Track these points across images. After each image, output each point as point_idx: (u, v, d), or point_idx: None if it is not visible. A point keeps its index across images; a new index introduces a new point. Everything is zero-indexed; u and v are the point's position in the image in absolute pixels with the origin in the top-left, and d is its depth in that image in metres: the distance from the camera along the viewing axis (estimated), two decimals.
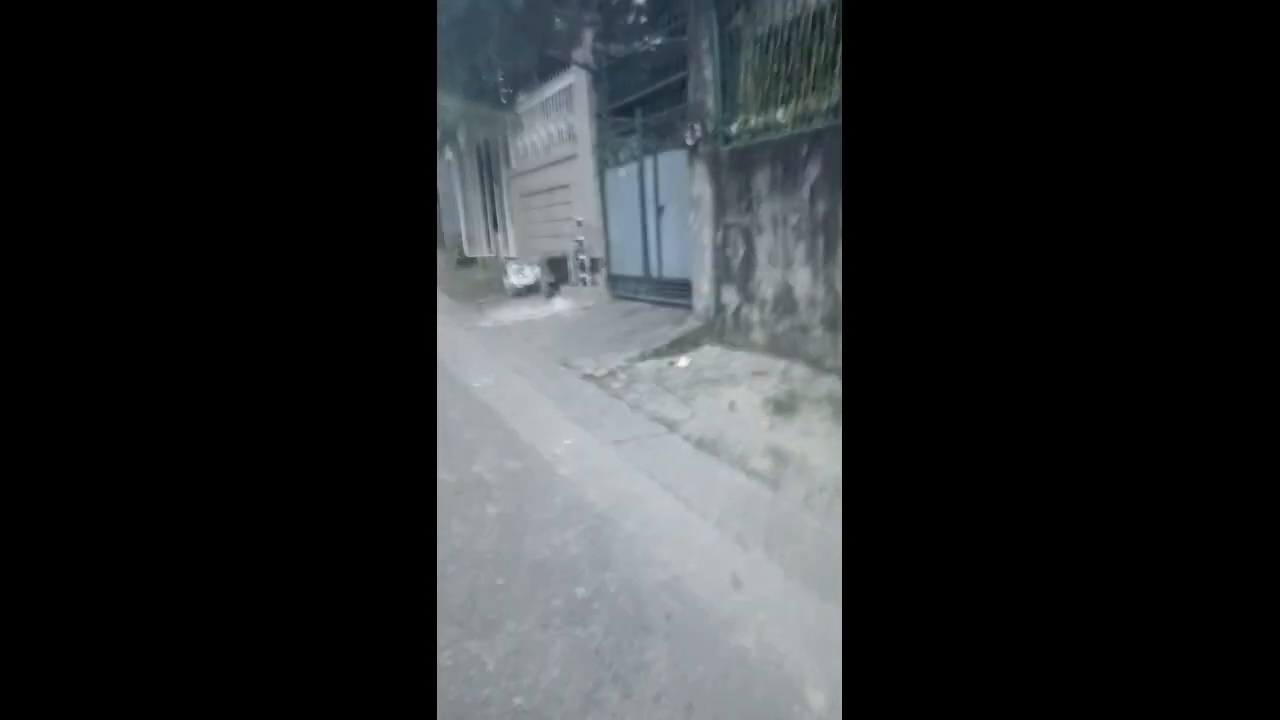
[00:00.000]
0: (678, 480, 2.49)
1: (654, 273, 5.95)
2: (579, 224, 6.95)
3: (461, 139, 9.70)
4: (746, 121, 4.21)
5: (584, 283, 7.03)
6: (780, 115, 3.90)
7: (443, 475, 2.63)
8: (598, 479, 2.55)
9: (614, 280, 6.67)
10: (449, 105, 7.80)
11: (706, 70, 4.46)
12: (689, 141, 4.65)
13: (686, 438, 2.95)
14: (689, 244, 5.00)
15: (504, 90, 8.67)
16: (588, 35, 6.46)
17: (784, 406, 3.17)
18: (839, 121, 3.43)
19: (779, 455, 2.64)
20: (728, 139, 4.38)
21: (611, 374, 4.16)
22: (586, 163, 6.79)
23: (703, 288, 4.83)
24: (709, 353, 4.42)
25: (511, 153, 9.22)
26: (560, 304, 6.86)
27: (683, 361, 4.27)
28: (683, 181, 5.01)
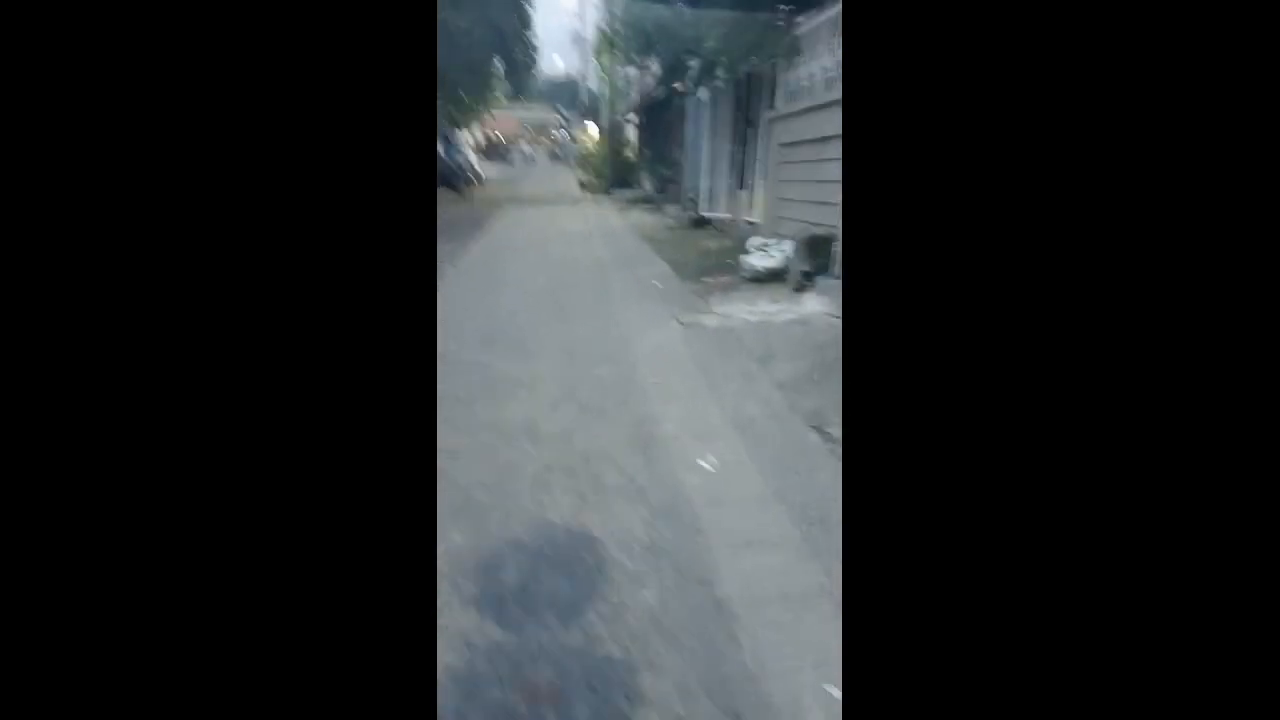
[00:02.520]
0: None
1: None
2: None
3: (721, 72, 7.93)
4: None
5: None
6: None
7: None
8: None
9: None
10: (710, 20, 6.05)
11: None
12: None
13: None
14: None
15: (781, 6, 6.65)
16: None
17: None
18: None
19: None
20: None
21: None
22: None
23: None
24: None
25: (779, 90, 7.22)
26: (812, 304, 4.88)
27: None
28: None
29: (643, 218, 11.43)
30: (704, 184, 10.64)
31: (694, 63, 8.12)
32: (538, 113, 44.29)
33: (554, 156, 33.93)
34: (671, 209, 11.65)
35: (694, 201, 10.22)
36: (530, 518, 2.13)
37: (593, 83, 36.14)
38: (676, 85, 12.70)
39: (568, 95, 39.67)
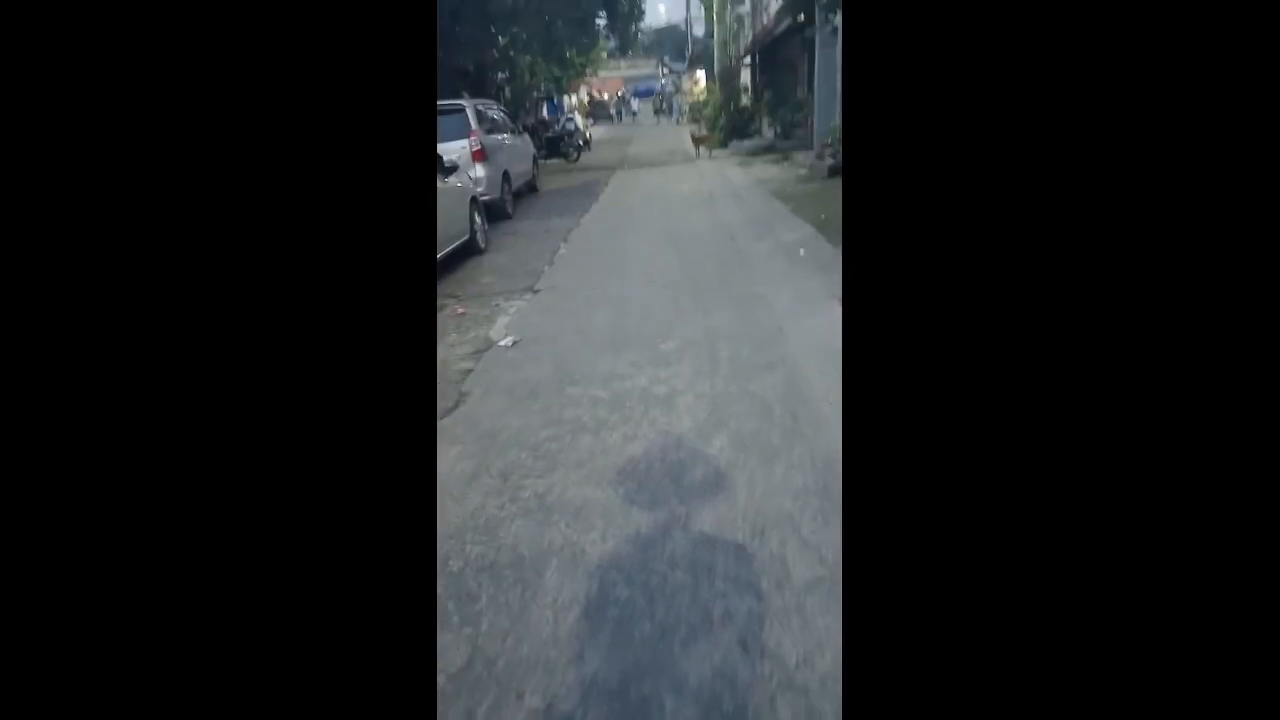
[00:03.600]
0: None
1: None
2: None
3: None
4: None
5: None
6: None
7: None
8: None
9: None
10: None
11: None
12: None
13: None
14: None
15: None
16: None
17: None
18: None
19: None
20: None
21: None
22: None
23: None
24: None
25: None
26: None
27: None
28: None
29: (769, 170, 10.27)
30: (839, 126, 9.33)
31: None
32: (640, 68, 43.03)
33: (659, 111, 32.60)
34: (801, 157, 10.40)
35: (829, 146, 8.97)
36: None
37: (698, 28, 34.50)
38: (801, 16, 11.31)
39: (671, 45, 38.08)
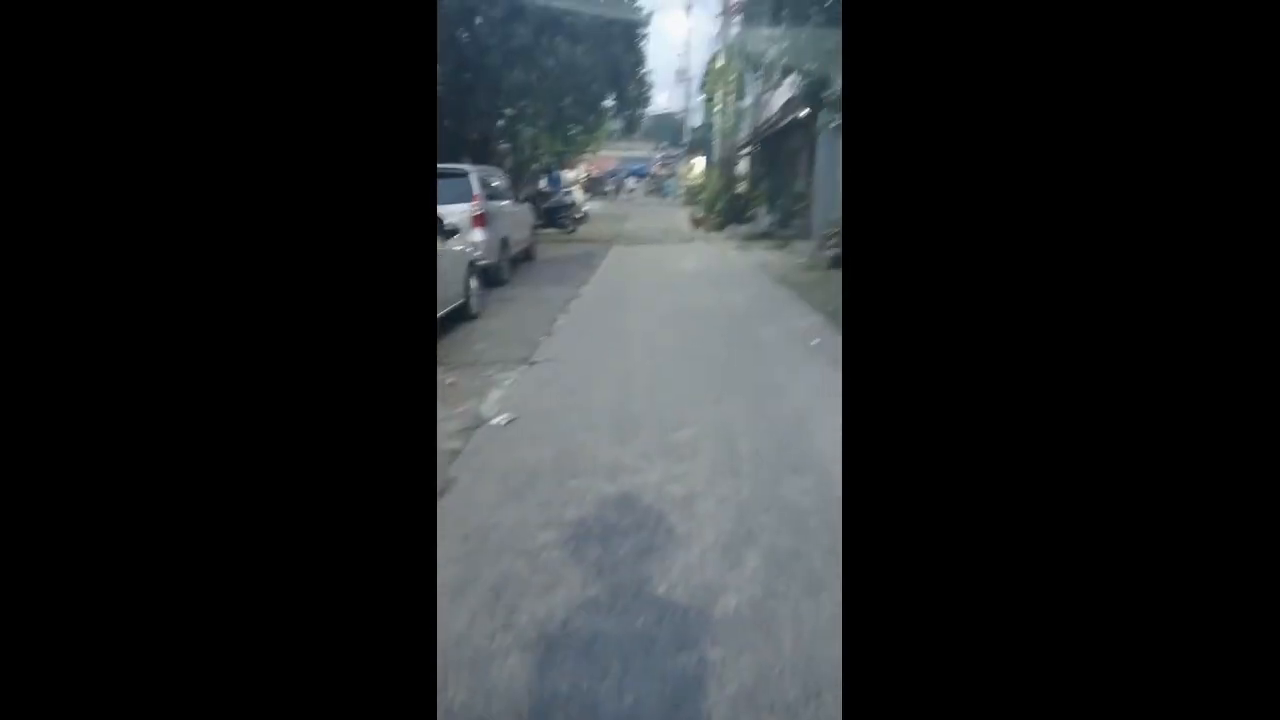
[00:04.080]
0: None
1: None
2: None
3: None
4: None
5: None
6: None
7: None
8: None
9: None
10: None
11: None
12: None
13: None
14: None
15: None
16: None
17: None
18: None
19: None
20: None
21: None
22: None
23: None
24: None
25: None
26: None
27: None
28: None
29: (769, 256, 10.28)
30: (840, 220, 9.41)
31: (832, 88, 7.28)
32: (637, 150, 44.67)
33: (655, 192, 33.54)
34: (800, 246, 10.45)
35: (830, 238, 9.00)
36: None
37: (694, 119, 36.03)
38: (802, 113, 11.68)
39: (668, 131, 39.66)
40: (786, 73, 8.28)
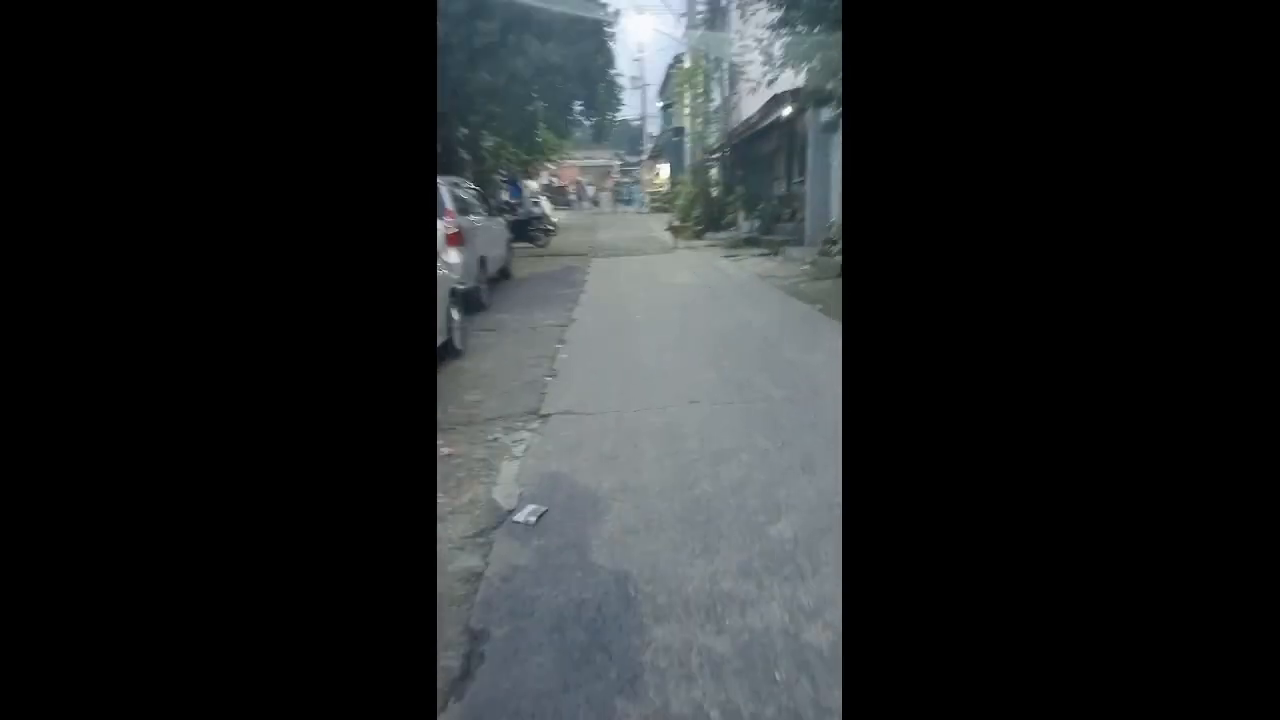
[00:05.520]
0: None
1: None
2: None
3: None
4: None
5: None
6: None
7: None
8: None
9: None
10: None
11: None
12: None
13: None
14: None
15: None
16: None
17: None
18: None
19: None
20: None
21: None
22: None
23: None
24: None
25: None
26: None
27: None
28: None
29: (764, 264, 9.55)
30: (839, 223, 8.76)
31: (830, 83, 6.68)
32: (597, 158, 43.94)
33: (620, 201, 32.72)
34: (794, 252, 9.76)
35: (834, 243, 8.33)
36: None
37: (651, 126, 35.42)
38: (788, 110, 11.06)
39: (626, 139, 39.01)
40: (781, 68, 7.64)
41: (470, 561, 2.14)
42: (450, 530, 2.34)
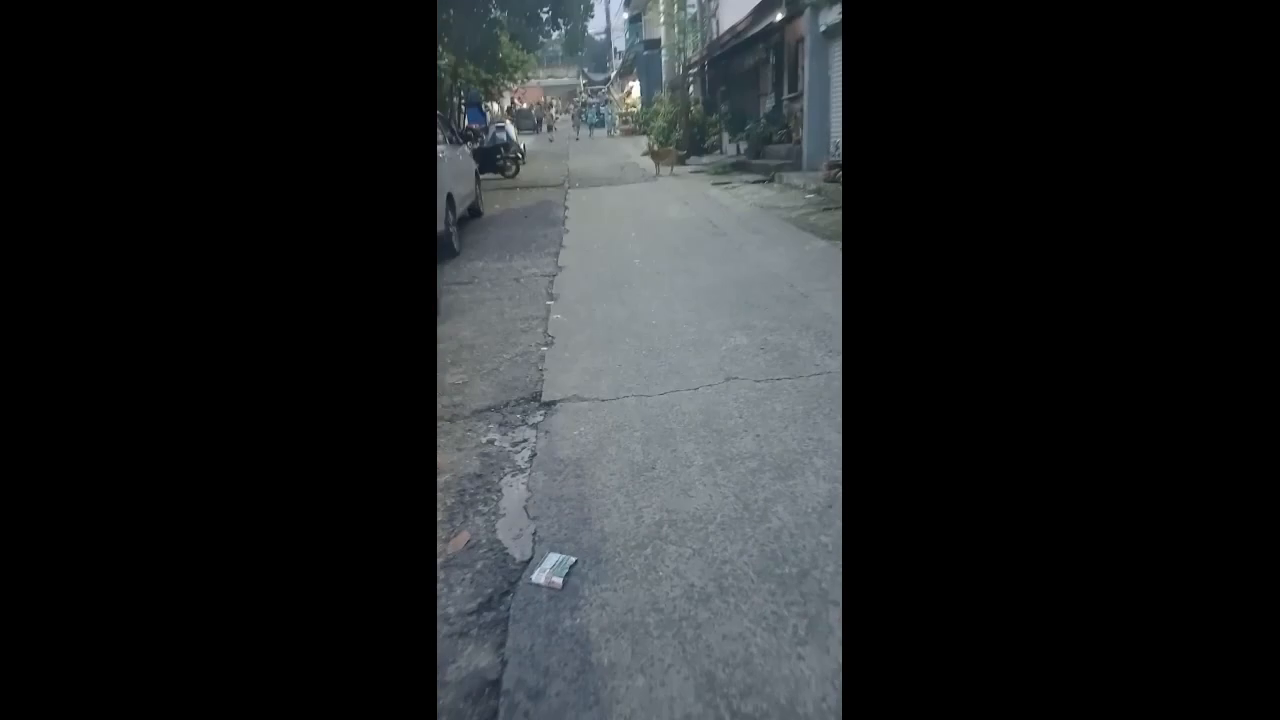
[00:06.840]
0: None
1: None
2: None
3: None
4: None
5: None
6: None
7: None
8: None
9: None
10: None
11: None
12: None
13: None
14: None
15: None
16: None
17: None
18: None
19: None
20: None
21: None
22: None
23: None
24: None
25: None
26: None
27: None
28: None
29: (762, 193, 8.71)
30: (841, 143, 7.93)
31: None
32: (560, 77, 41.27)
33: (587, 124, 30.78)
34: (794, 179, 8.93)
35: (840, 167, 7.52)
36: None
37: (618, 41, 33.08)
38: (778, 16, 9.94)
39: (592, 56, 36.52)
40: None
41: (479, 660, 1.50)
42: (445, 599, 1.69)
